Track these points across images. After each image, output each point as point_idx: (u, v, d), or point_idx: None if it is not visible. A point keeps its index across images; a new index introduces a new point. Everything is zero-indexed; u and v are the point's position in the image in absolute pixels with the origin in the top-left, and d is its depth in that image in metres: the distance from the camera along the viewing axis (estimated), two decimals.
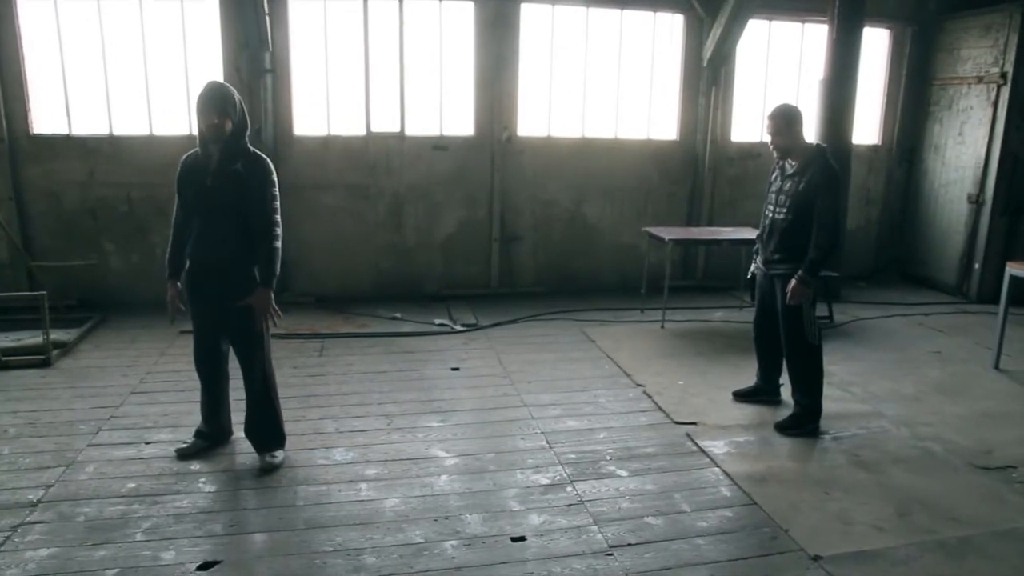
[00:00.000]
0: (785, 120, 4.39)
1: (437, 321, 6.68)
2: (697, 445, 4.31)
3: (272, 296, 3.74)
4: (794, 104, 4.53)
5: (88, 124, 6.92)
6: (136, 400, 4.81)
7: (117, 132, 6.93)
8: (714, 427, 4.58)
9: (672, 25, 7.88)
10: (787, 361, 4.65)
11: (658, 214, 8.12)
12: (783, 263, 4.46)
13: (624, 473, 3.96)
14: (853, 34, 7.43)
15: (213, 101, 3.53)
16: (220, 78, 6.91)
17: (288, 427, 4.29)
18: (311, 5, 7.07)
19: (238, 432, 4.15)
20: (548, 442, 4.30)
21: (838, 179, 4.38)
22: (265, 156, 3.73)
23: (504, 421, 4.60)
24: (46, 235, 7.01)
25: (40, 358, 5.47)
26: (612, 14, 7.65)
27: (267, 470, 3.86)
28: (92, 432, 4.31)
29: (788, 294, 4.34)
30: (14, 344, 5.71)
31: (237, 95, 3.65)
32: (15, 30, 6.64)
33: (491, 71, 7.43)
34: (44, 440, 4.20)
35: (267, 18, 6.61)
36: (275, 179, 3.67)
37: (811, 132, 7.73)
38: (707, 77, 7.89)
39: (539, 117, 7.73)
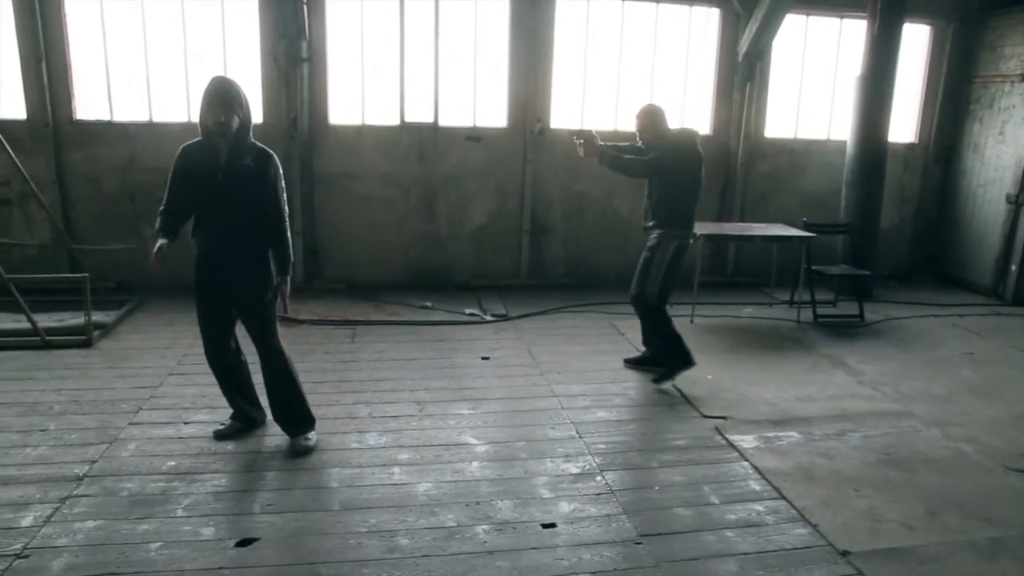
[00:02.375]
0: (650, 118, 5.04)
1: (467, 311, 6.74)
2: (726, 439, 4.33)
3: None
4: (658, 104, 5.16)
5: (129, 111, 7.07)
6: (174, 381, 4.93)
7: (157, 119, 7.07)
8: (743, 422, 4.58)
9: (708, 19, 7.84)
10: (636, 311, 5.29)
11: None
12: (654, 228, 5.11)
13: (654, 464, 3.99)
14: (893, 30, 7.35)
15: (220, 97, 3.55)
16: (258, 66, 7.05)
17: (321, 411, 4.39)
18: None
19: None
20: (578, 432, 4.34)
21: (665, 154, 4.93)
22: (271, 150, 3.79)
23: (534, 411, 4.64)
24: (87, 219, 7.18)
25: (82, 338, 5.62)
26: (647, 8, 7.63)
27: (302, 453, 3.94)
28: (133, 411, 4.43)
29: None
30: (57, 324, 5.87)
31: (243, 91, 3.66)
32: (61, 18, 6.80)
33: (525, 62, 7.45)
34: (87, 417, 4.32)
35: (305, 8, 6.70)
36: (282, 172, 3.81)
37: (846, 129, 7.70)
38: (742, 72, 7.85)
39: (572, 110, 7.74)
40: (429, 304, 6.91)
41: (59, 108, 6.95)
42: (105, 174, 7.11)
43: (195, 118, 7.22)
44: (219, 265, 3.79)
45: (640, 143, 5.11)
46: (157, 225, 3.79)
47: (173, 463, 3.81)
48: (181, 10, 6.90)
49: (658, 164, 4.93)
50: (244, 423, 4.17)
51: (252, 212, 3.73)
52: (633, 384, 5.15)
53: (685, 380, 5.19)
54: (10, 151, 6.22)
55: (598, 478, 3.80)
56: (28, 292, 5.81)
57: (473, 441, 4.18)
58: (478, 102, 7.55)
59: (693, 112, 8.03)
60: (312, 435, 4.05)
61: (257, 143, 3.78)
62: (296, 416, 4.04)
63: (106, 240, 7.07)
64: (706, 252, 7.77)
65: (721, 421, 4.59)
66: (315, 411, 4.23)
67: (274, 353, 3.97)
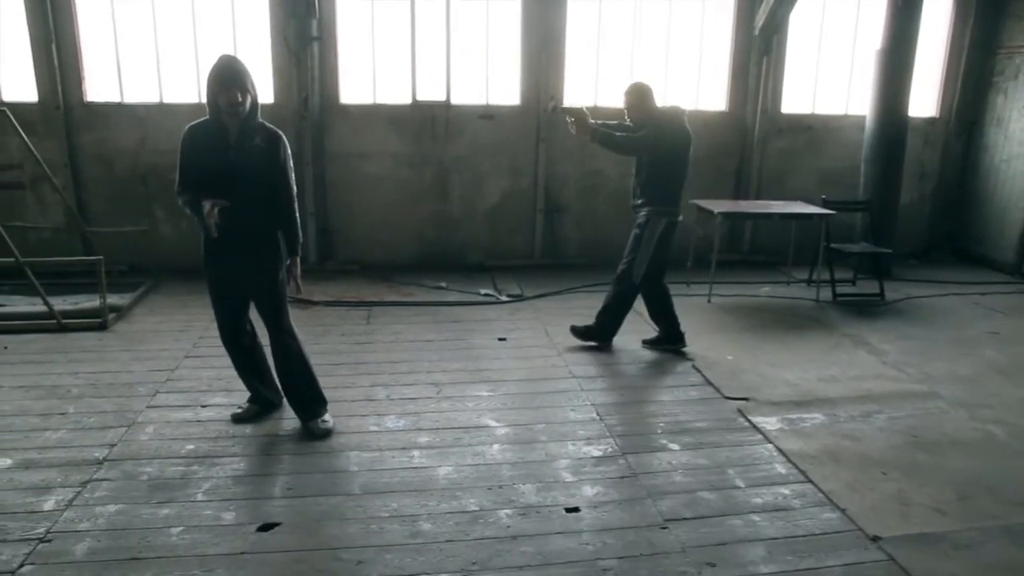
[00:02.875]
0: (638, 96, 5.03)
1: (482, 291, 6.69)
2: (749, 421, 4.27)
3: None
4: (646, 82, 5.15)
5: (139, 92, 7.01)
6: (190, 364, 4.90)
7: (167, 100, 7.00)
8: (765, 403, 4.52)
9: None
10: (613, 286, 5.31)
11: (705, 186, 7.93)
12: (643, 206, 5.09)
13: (676, 447, 3.94)
14: (914, 2, 7.17)
15: (235, 76, 3.48)
16: (268, 46, 6.96)
17: (339, 393, 4.37)
18: None
19: None
20: (598, 414, 4.29)
21: (655, 131, 4.94)
22: (279, 130, 3.73)
23: (553, 392, 4.60)
24: (99, 201, 7.15)
25: (97, 321, 5.61)
26: None
27: (320, 436, 3.91)
28: (150, 394, 4.41)
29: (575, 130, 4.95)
30: (72, 307, 5.86)
31: (250, 70, 3.60)
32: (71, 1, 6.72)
33: (538, 39, 7.33)
34: (105, 401, 4.31)
35: None
36: (291, 152, 3.77)
37: (865, 104, 7.55)
38: (758, 46, 7.69)
39: (586, 86, 7.62)
40: (444, 285, 6.86)
41: (70, 90, 6.90)
42: (116, 156, 7.06)
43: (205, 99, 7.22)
44: (229, 246, 3.72)
45: (628, 121, 5.13)
46: (182, 202, 3.71)
47: (192, 447, 3.79)
48: None
49: (649, 141, 4.93)
50: (262, 406, 4.14)
51: (262, 192, 3.68)
52: (652, 365, 5.10)
53: (704, 361, 5.13)
54: (22, 134, 6.17)
55: (620, 461, 3.76)
56: (43, 275, 5.79)
57: (493, 423, 4.14)
58: (491, 80, 7.45)
59: (708, 88, 7.90)
60: (329, 417, 4.01)
61: (266, 123, 3.72)
62: (309, 398, 4.01)
63: (118, 222, 7.04)
64: (722, 231, 7.66)
65: (743, 403, 4.52)
66: (332, 394, 4.22)
67: (286, 335, 3.93)
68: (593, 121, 4.95)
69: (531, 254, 7.81)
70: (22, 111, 6.68)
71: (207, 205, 3.52)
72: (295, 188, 3.83)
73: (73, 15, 6.76)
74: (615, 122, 5.23)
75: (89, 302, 5.87)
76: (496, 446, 3.89)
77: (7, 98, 6.91)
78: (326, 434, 3.92)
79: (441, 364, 4.99)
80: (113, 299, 6.01)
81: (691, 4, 7.62)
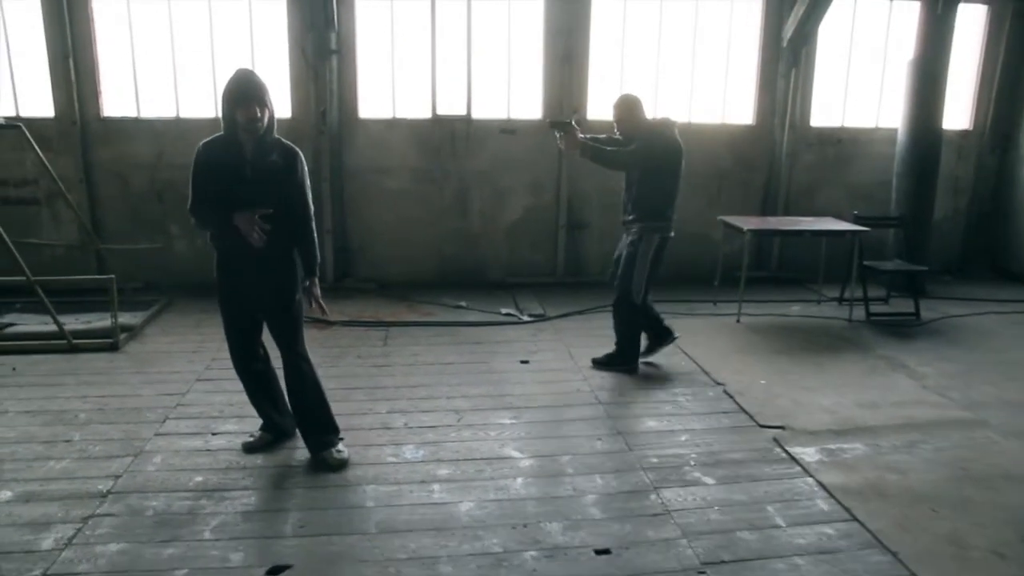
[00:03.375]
0: (628, 108, 4.91)
1: (503, 311, 6.50)
2: (786, 452, 4.03)
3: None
4: (634, 94, 5.02)
5: (156, 107, 6.92)
6: (202, 388, 4.74)
7: (184, 115, 6.91)
8: (802, 432, 4.28)
9: (750, 4, 7.49)
10: (614, 308, 5.14)
11: (731, 202, 7.77)
12: (635, 222, 4.93)
13: (711, 481, 3.71)
14: (948, 11, 6.96)
15: (253, 91, 3.36)
16: (286, 60, 6.85)
17: (355, 420, 4.20)
18: None
19: None
20: (627, 443, 4.07)
21: (647, 145, 4.79)
22: (296, 147, 3.59)
23: (579, 420, 4.38)
24: (114, 218, 7.06)
25: (108, 342, 5.48)
26: None
27: (335, 467, 3.72)
28: (159, 420, 4.25)
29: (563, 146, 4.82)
30: (84, 327, 5.74)
31: (267, 84, 3.48)
32: (88, 13, 6.67)
33: (561, 51, 7.18)
34: (112, 427, 4.15)
35: None
36: (307, 169, 3.64)
37: (898, 116, 7.31)
38: (787, 58, 7.49)
39: (610, 99, 7.40)
40: (463, 304, 6.68)
41: (86, 105, 6.84)
42: (132, 172, 6.97)
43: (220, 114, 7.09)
44: (244, 267, 3.58)
45: (617, 134, 4.99)
46: (196, 221, 3.61)
47: (200, 479, 3.61)
48: (208, 3, 6.71)
49: (642, 155, 4.77)
50: (274, 435, 3.97)
51: (278, 210, 3.52)
52: (682, 390, 4.87)
53: (736, 385, 4.90)
54: (38, 150, 6.12)
55: (652, 496, 3.54)
56: (55, 293, 5.70)
57: (516, 454, 3.93)
58: (512, 93, 7.30)
59: (735, 101, 7.69)
60: (343, 447, 3.83)
61: (282, 139, 3.59)
62: (322, 427, 3.82)
63: (134, 239, 6.94)
64: (748, 247, 7.42)
65: (779, 431, 4.29)
66: (348, 420, 4.06)
67: (301, 359, 3.77)
68: (583, 135, 4.79)
69: (553, 271, 7.62)
70: (38, 126, 6.64)
71: (243, 217, 3.37)
72: (312, 206, 3.69)
73: (91, 29, 6.69)
74: (604, 136, 5.08)
75: (101, 321, 5.74)
76: (520, 479, 3.68)
77: (24, 113, 6.84)
78: (341, 465, 3.73)
79: (461, 389, 4.79)
80: (126, 318, 5.89)
81: (717, 15, 7.43)
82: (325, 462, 3.75)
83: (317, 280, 3.70)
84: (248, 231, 3.39)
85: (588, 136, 4.90)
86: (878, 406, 4.66)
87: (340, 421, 3.92)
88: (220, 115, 3.45)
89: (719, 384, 4.96)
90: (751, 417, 4.47)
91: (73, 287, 5.95)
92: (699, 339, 5.87)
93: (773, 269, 7.95)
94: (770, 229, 6.60)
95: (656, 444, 4.09)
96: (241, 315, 3.73)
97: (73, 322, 5.81)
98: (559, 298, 6.99)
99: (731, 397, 4.76)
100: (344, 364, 5.21)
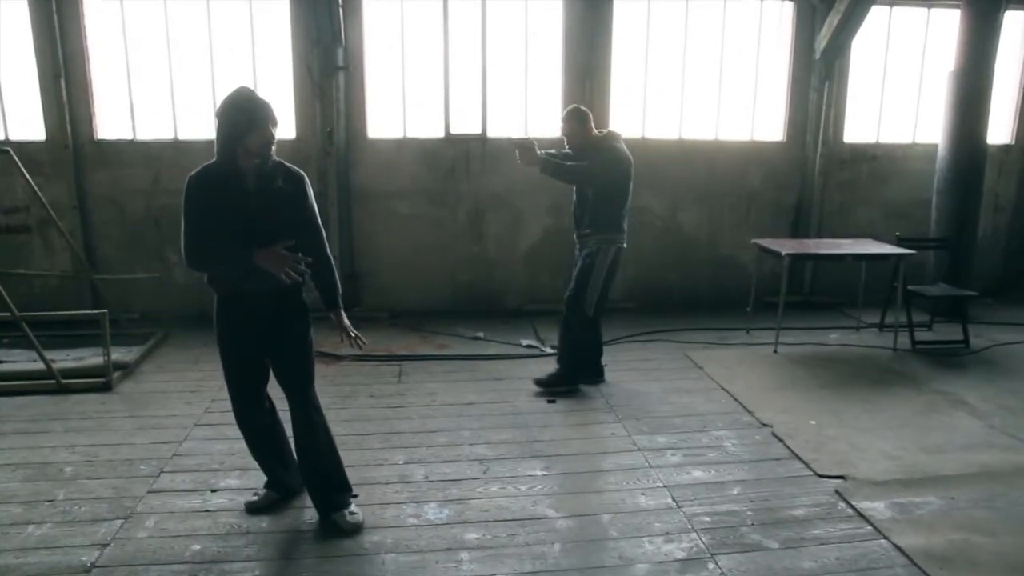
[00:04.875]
0: (578, 121, 4.84)
1: (524, 342, 6.08)
2: (853, 507, 3.59)
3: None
4: (584, 107, 4.99)
5: (153, 128, 6.55)
6: (201, 434, 4.32)
7: (182, 136, 6.54)
8: (867, 483, 3.84)
9: (781, 15, 7.12)
10: (563, 322, 5.02)
11: (761, 223, 7.37)
12: (592, 235, 4.89)
13: (774, 544, 3.27)
14: (991, 19, 6.59)
15: (267, 112, 2.99)
16: (290, 77, 6.49)
17: (370, 473, 3.79)
18: None
19: None
20: (674, 499, 3.64)
21: (604, 159, 4.75)
22: (299, 169, 3.23)
23: (618, 470, 3.95)
24: (109, 245, 6.68)
25: (101, 381, 5.08)
26: (714, 3, 6.94)
27: (349, 531, 3.29)
28: (153, 474, 3.83)
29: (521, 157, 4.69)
30: (75, 364, 5.34)
31: None
32: (80, 30, 6.33)
33: (581, 66, 6.81)
34: (101, 483, 3.73)
35: (340, 10, 6.11)
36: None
37: (937, 131, 6.92)
38: (819, 71, 7.11)
39: (632, 116, 7.07)
40: (481, 335, 6.26)
41: (79, 127, 6.47)
42: (128, 197, 6.59)
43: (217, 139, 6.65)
44: (251, 310, 3.18)
45: (568, 148, 4.97)
46: (194, 262, 3.13)
47: (198, 547, 3.18)
48: (207, 17, 6.37)
49: (601, 169, 4.75)
50: (280, 493, 3.55)
51: (288, 239, 3.13)
52: (726, 433, 4.43)
53: (784, 427, 4.46)
54: (27, 175, 5.74)
55: (711, 566, 3.10)
56: (47, 325, 5.30)
57: (552, 513, 3.50)
58: (530, 110, 6.92)
59: (764, 117, 7.31)
60: (356, 508, 3.40)
61: (284, 162, 3.18)
62: (334, 487, 3.41)
63: (130, 267, 6.55)
64: (776, 270, 7.00)
65: (840, 482, 3.85)
66: (362, 473, 3.70)
67: (312, 409, 3.36)
68: (542, 151, 4.71)
69: None
70: (29, 150, 6.31)
71: (269, 254, 2.98)
72: (324, 231, 3.32)
73: (84, 46, 6.34)
74: (555, 151, 5.00)
75: (95, 357, 5.32)
76: (558, 545, 3.24)
77: (13, 136, 6.48)
78: (355, 529, 3.30)
79: (485, 434, 4.36)
80: (120, 353, 5.52)
81: (746, 26, 7.07)
82: (337, 525, 3.32)
83: (341, 309, 3.35)
84: (279, 269, 3.00)
85: (547, 151, 4.81)
86: (944, 451, 4.23)
87: (354, 473, 3.53)
88: (217, 140, 3.04)
89: (765, 425, 4.53)
90: (807, 465, 4.03)
91: (64, 320, 5.55)
92: (736, 372, 5.45)
93: (806, 293, 7.53)
94: (810, 253, 6.17)
95: (706, 499, 3.66)
96: (247, 364, 3.32)
97: (65, 358, 5.43)
98: None
99: (781, 440, 4.33)
100: (356, 405, 4.79)
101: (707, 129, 7.18)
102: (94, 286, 6.47)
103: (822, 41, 6.94)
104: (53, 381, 5.02)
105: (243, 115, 2.96)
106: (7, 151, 5.69)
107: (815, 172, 7.29)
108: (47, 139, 6.46)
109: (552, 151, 4.94)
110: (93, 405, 4.80)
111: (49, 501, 3.56)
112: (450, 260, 7.01)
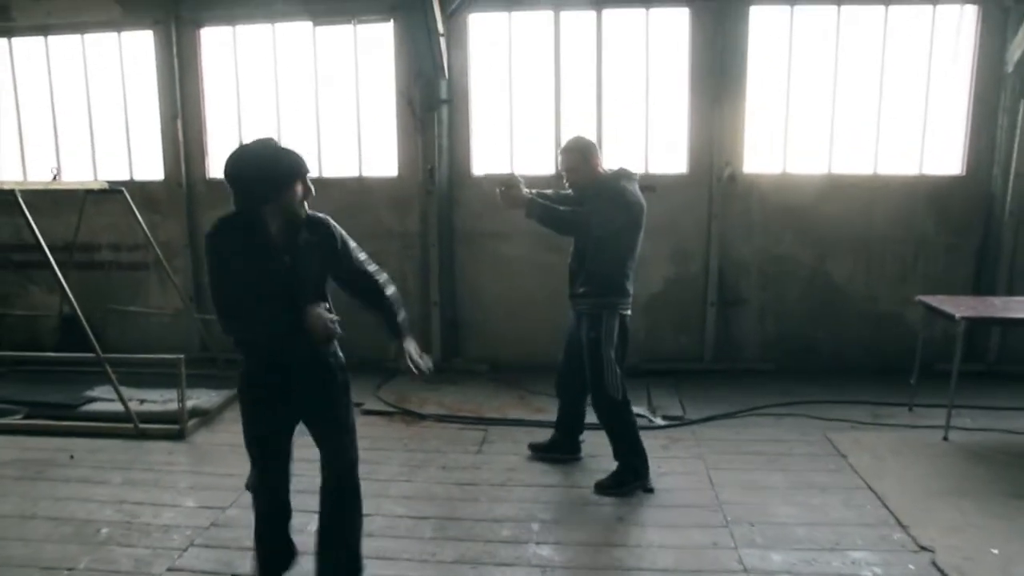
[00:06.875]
0: (581, 154, 4.02)
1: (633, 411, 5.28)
2: None
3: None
4: (588, 137, 4.19)
5: None
6: (246, 501, 3.88)
7: None
8: None
9: (960, 20, 5.95)
10: (597, 416, 4.24)
11: (932, 275, 6.15)
12: (587, 297, 4.07)
13: None
14: None
15: (303, 160, 2.72)
16: (392, 111, 6.23)
17: (416, 570, 3.19)
18: (493, 24, 6.14)
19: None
20: None
21: (607, 203, 3.91)
22: (321, 214, 2.89)
23: None
24: None
25: (175, 428, 4.92)
26: (873, 11, 5.92)
27: None
28: (182, 547, 3.51)
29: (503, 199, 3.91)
30: (160, 408, 5.26)
31: None
32: (197, 71, 6.42)
33: (710, 93, 6.04)
34: (127, 553, 3.47)
35: (442, 39, 5.73)
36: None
37: None
38: (1012, 87, 5.86)
39: (771, 149, 6.16)
40: None
41: (193, 167, 6.62)
42: None
43: (326, 173, 6.52)
44: (285, 373, 2.82)
45: (568, 186, 4.16)
46: (234, 328, 2.80)
47: None
48: (314, 61, 6.27)
49: (601, 215, 3.89)
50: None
51: (322, 299, 2.83)
52: (866, 555, 3.41)
53: (951, 554, 3.38)
54: (137, 214, 5.92)
55: None
56: (150, 363, 5.26)
57: None
58: (651, 144, 6.21)
59: (936, 145, 6.12)
60: None
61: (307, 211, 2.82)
62: (355, 568, 3.04)
63: None
64: (951, 332, 5.72)
65: None
66: (403, 570, 3.24)
67: (348, 474, 2.99)
68: (528, 191, 3.91)
69: (700, 357, 6.35)
70: (149, 189, 6.61)
71: (317, 316, 2.69)
72: (372, 263, 2.97)
73: (199, 88, 6.44)
74: (551, 191, 4.25)
75: (189, 400, 5.21)
76: None
77: (137, 176, 6.70)
78: None
79: (556, 530, 3.64)
80: (205, 398, 5.41)
81: (913, 36, 5.96)
82: None
83: (407, 337, 3.00)
84: (326, 333, 2.71)
85: (534, 192, 3.99)
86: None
87: (390, 568, 3.07)
88: (241, 195, 2.69)
89: (925, 549, 3.44)
90: None
91: (145, 363, 5.47)
92: (890, 466, 4.35)
93: (991, 362, 6.17)
94: (995, 317, 4.92)
95: None
96: (279, 433, 2.95)
97: (157, 398, 5.44)
98: (706, 391, 5.71)
99: (942, 570, 3.27)
100: (422, 478, 4.25)
101: (864, 162, 6.12)
102: (205, 324, 6.47)
103: (1016, 51, 5.69)
104: (131, 425, 4.93)
105: (285, 165, 2.68)
106: (121, 190, 5.81)
107: (1005, 212, 5.98)
108: (165, 179, 6.62)
109: (547, 191, 4.20)
110: (160, 455, 4.65)
111: (69, 570, 3.30)
112: (557, 309, 6.31)
